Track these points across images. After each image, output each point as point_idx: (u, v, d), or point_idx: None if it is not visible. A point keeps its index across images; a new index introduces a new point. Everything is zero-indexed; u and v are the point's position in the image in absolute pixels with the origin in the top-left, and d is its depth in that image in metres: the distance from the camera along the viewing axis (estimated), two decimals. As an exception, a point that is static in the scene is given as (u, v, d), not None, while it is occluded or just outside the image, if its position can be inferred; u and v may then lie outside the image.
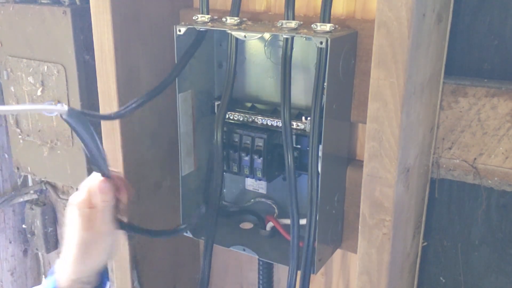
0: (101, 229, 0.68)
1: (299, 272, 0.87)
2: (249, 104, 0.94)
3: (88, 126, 0.63)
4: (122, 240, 0.75)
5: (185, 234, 0.98)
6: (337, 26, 0.79)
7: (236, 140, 0.91)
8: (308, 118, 0.84)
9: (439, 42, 0.82)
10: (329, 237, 0.90)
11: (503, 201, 0.91)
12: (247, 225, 1.03)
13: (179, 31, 0.84)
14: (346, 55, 0.81)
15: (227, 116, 0.92)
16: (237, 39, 0.86)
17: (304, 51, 0.88)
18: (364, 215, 0.77)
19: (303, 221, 0.85)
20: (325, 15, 0.79)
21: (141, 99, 0.79)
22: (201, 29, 0.85)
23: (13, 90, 1.26)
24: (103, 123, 0.91)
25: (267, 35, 0.80)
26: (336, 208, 0.90)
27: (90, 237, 0.68)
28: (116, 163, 0.92)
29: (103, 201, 0.67)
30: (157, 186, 1.02)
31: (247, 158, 0.90)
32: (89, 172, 1.17)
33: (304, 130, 0.86)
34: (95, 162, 0.67)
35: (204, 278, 0.97)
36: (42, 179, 1.38)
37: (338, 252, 1.00)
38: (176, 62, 0.86)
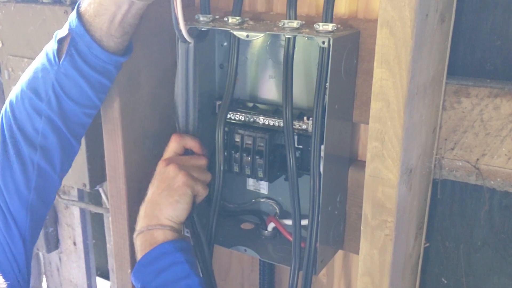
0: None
1: (301, 273, 0.87)
2: (250, 104, 0.94)
3: None
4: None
5: (186, 234, 0.98)
6: (339, 25, 0.79)
7: (238, 140, 0.91)
8: (310, 118, 0.84)
9: (441, 42, 0.81)
10: (331, 238, 0.90)
11: (506, 202, 0.91)
12: (248, 226, 1.03)
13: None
14: (348, 55, 0.80)
15: (228, 116, 0.92)
16: (238, 39, 0.85)
17: (306, 51, 0.87)
18: (366, 216, 0.77)
19: (304, 222, 0.85)
20: (327, 14, 0.79)
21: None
22: (202, 29, 0.85)
23: (14, 89, 1.26)
24: (104, 124, 0.91)
25: (269, 35, 0.80)
26: (338, 209, 0.89)
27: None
28: (117, 164, 0.92)
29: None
30: (158, 186, 1.02)
31: (248, 159, 0.90)
32: (90, 172, 1.16)
33: (306, 130, 0.86)
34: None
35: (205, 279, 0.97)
36: (43, 179, 1.38)
37: (340, 253, 1.00)
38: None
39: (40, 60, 0.77)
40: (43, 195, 0.80)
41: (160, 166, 0.85)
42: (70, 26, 0.74)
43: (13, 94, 0.79)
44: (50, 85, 0.75)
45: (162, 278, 0.78)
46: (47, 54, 0.76)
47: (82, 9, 0.74)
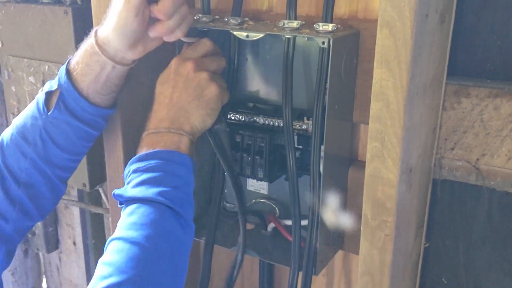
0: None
1: (300, 273, 0.87)
2: (251, 104, 0.94)
3: None
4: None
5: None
6: (339, 26, 0.79)
7: (238, 140, 0.91)
8: (310, 119, 0.84)
9: (442, 42, 0.81)
10: (331, 238, 0.90)
11: (506, 201, 0.91)
12: (248, 226, 1.03)
13: (181, 31, 0.84)
14: (348, 55, 0.80)
15: (228, 116, 0.92)
16: (239, 39, 0.85)
17: (306, 51, 0.88)
18: (366, 216, 0.77)
19: (304, 222, 0.85)
20: (327, 15, 0.79)
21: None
22: (202, 29, 0.85)
23: (14, 89, 1.26)
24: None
25: (269, 35, 0.80)
26: (338, 209, 0.89)
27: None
28: (117, 164, 0.92)
29: None
30: (158, 186, 1.01)
31: (249, 159, 0.90)
32: (90, 172, 1.17)
33: (306, 130, 0.86)
34: None
35: (205, 279, 0.97)
36: (43, 179, 1.38)
37: (340, 253, 1.00)
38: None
39: (31, 109, 0.82)
40: (20, 228, 0.84)
41: (188, 67, 0.79)
42: (59, 81, 0.79)
43: (4, 135, 0.83)
44: (37, 132, 0.80)
45: (169, 182, 0.72)
46: (37, 103, 0.81)
47: (71, 66, 0.79)
